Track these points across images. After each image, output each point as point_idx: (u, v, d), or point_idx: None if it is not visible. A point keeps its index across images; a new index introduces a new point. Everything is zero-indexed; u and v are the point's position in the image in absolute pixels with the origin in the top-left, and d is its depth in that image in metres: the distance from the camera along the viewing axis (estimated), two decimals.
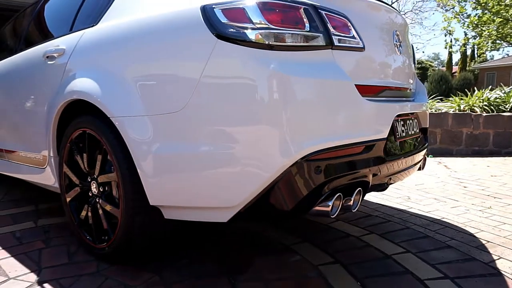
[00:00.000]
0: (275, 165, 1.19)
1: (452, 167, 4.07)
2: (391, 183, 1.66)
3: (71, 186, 1.80)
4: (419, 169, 2.06)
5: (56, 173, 1.91)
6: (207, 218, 1.40)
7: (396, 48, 1.66)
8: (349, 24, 1.37)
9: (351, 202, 1.31)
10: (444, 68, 29.54)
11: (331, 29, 1.29)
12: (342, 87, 1.29)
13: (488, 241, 1.90)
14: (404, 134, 1.65)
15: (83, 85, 1.61)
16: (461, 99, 5.50)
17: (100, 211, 1.64)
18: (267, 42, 1.20)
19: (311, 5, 1.27)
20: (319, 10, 1.28)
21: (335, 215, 1.30)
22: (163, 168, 1.38)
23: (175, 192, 1.40)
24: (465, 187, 3.12)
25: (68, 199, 1.80)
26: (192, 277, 1.52)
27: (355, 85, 1.32)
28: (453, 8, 14.28)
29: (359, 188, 1.33)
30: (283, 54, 1.22)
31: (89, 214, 1.71)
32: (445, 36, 15.68)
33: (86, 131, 1.64)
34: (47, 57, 1.91)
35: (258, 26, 1.21)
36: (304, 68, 1.23)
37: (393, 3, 21.38)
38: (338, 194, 1.26)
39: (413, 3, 22.82)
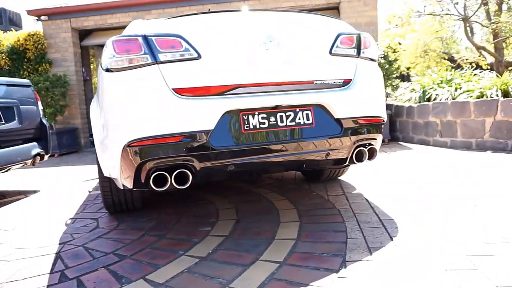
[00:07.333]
0: (118, 151, 1.73)
1: None
2: (237, 170, 1.82)
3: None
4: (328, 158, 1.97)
5: None
6: (126, 186, 2.00)
7: (263, 48, 1.79)
8: (181, 41, 1.71)
9: (172, 181, 1.68)
10: None
11: (159, 49, 1.70)
12: (159, 92, 1.68)
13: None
14: (264, 126, 1.77)
15: None
16: None
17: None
18: (110, 67, 1.75)
19: (141, 35, 1.72)
20: (148, 38, 1.72)
21: (162, 190, 1.69)
22: (98, 151, 2.11)
23: (105, 168, 2.09)
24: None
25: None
26: (139, 220, 2.41)
27: (174, 89, 1.68)
28: None
29: (180, 170, 1.68)
30: (120, 74, 1.74)
31: None
32: None
33: None
34: None
35: (112, 56, 1.77)
36: (129, 81, 1.71)
37: None
38: (157, 173, 1.67)
39: None
